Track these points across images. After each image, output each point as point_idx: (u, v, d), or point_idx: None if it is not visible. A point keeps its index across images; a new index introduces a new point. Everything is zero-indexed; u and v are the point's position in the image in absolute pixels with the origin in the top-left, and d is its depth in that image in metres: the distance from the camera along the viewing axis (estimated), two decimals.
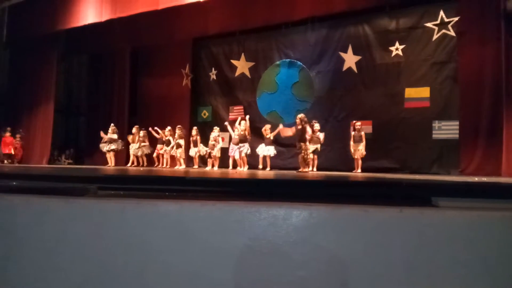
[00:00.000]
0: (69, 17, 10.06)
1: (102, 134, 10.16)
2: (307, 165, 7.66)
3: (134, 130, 10.34)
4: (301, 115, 7.68)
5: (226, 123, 9.43)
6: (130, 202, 1.30)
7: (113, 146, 10.08)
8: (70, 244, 1.37)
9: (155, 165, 10.29)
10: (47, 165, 10.37)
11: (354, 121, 8.35)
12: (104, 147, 10.15)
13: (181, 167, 9.59)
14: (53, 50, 11.54)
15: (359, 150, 8.02)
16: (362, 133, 8.12)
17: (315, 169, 8.16)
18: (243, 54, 10.76)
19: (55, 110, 11.62)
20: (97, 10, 9.57)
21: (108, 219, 1.31)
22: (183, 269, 1.24)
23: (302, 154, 7.48)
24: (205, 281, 1.27)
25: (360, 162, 8.06)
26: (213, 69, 11.23)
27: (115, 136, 10.14)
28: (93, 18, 9.68)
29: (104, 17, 9.48)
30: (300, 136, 7.60)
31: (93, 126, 11.82)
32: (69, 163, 11.96)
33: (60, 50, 11.94)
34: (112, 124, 10.38)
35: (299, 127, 7.55)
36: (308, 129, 8.10)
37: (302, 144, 7.52)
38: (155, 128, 10.21)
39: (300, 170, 7.45)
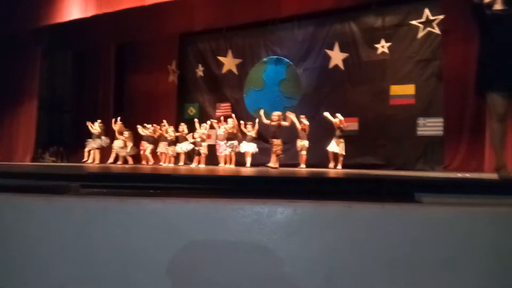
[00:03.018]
0: (53, 12, 9.87)
1: (89, 125, 10.07)
2: (278, 161, 7.88)
3: (118, 123, 10.16)
4: (278, 113, 7.84)
5: (211, 120, 9.44)
6: (113, 200, 1.28)
7: (99, 144, 9.99)
8: (52, 243, 1.35)
9: (142, 162, 10.22)
10: (30, 163, 10.20)
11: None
12: (90, 145, 10.04)
13: (170, 164, 9.54)
14: (36, 46, 11.30)
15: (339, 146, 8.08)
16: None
17: (303, 165, 8.20)
18: (230, 50, 10.72)
19: (39, 107, 11.40)
20: (82, 5, 9.41)
21: (90, 218, 1.29)
22: (167, 267, 1.23)
23: (274, 149, 7.76)
24: (190, 279, 1.27)
25: (340, 158, 8.11)
26: (199, 65, 11.16)
27: (99, 132, 10.05)
28: (78, 14, 9.52)
29: (89, 13, 9.34)
30: (274, 132, 7.89)
31: (78, 124, 11.66)
32: (53, 161, 11.78)
33: (44, 46, 11.71)
34: (99, 121, 10.28)
35: (273, 123, 7.77)
36: (298, 125, 8.20)
37: (274, 140, 7.83)
38: (144, 125, 10.11)
39: (269, 164, 7.76)
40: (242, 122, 8.95)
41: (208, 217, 1.28)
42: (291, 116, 8.21)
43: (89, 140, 10.14)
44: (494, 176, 3.32)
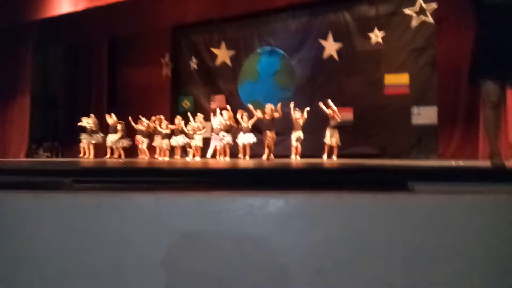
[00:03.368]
0: (44, 6, 9.75)
1: (84, 121, 10.02)
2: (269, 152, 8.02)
3: (112, 117, 10.12)
4: (271, 106, 7.98)
5: (212, 113, 9.40)
6: (106, 196, 1.28)
7: (94, 139, 9.97)
8: (45, 239, 1.35)
9: (138, 156, 10.20)
10: (23, 159, 10.15)
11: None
12: (84, 139, 10.01)
13: (165, 158, 9.52)
14: (27, 41, 11.18)
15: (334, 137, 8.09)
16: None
17: (298, 157, 8.20)
18: (223, 42, 10.66)
19: (32, 103, 11.32)
20: None
21: (83, 213, 1.29)
22: (161, 261, 1.24)
23: (267, 142, 7.89)
24: (184, 272, 1.28)
25: (335, 149, 8.12)
26: (193, 58, 11.09)
27: (93, 127, 10.01)
28: (69, 7, 9.41)
29: (80, 6, 9.24)
30: (267, 125, 7.98)
31: (72, 118, 11.58)
32: (47, 156, 11.73)
33: (35, 41, 11.59)
34: (91, 115, 10.22)
35: (267, 117, 7.83)
36: (294, 116, 8.20)
37: (267, 132, 7.95)
38: (140, 117, 10.05)
39: (264, 157, 7.90)
40: (240, 112, 8.78)
41: (201, 211, 1.29)
42: (294, 111, 8.22)
43: (84, 134, 10.10)
44: (487, 163, 3.35)
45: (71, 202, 1.38)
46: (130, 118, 10.05)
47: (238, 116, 8.59)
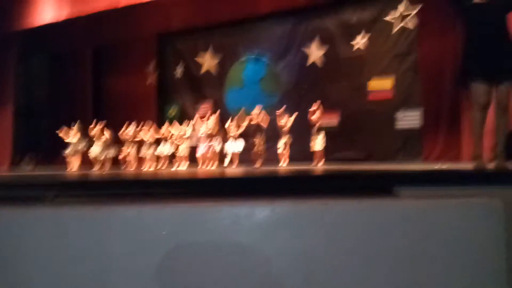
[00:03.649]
0: (27, 16, 9.65)
1: (64, 135, 9.84)
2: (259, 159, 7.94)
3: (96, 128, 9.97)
4: (256, 111, 8.00)
5: (194, 120, 9.32)
6: (87, 209, 1.26)
7: (77, 149, 9.79)
8: (26, 255, 1.32)
9: (123, 167, 10.06)
10: (5, 173, 9.94)
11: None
12: (69, 151, 9.83)
13: (150, 168, 9.42)
14: (10, 51, 11.03)
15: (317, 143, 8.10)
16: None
17: (285, 163, 8.21)
18: (209, 50, 10.67)
19: (15, 114, 11.14)
20: (55, 9, 9.22)
21: (65, 228, 1.27)
22: (145, 274, 1.22)
23: (256, 149, 7.82)
24: (169, 284, 1.26)
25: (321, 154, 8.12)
26: (178, 66, 11.07)
27: (77, 138, 9.84)
28: (51, 18, 9.32)
29: (63, 17, 9.16)
30: (254, 131, 7.96)
31: (56, 129, 11.40)
32: (31, 168, 11.51)
33: (19, 51, 11.43)
34: (74, 124, 10.06)
35: (253, 122, 7.80)
36: (283, 123, 8.21)
37: (255, 139, 7.87)
38: (126, 127, 9.93)
39: (257, 165, 7.79)
40: (231, 119, 8.77)
41: (185, 222, 1.28)
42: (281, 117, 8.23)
43: (68, 147, 9.91)
44: (470, 165, 3.40)
45: (53, 216, 1.35)
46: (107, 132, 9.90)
47: (227, 125, 8.58)
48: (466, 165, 4.90)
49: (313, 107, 8.12)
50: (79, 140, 9.89)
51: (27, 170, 11.10)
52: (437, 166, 4.95)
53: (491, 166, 3.19)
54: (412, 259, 1.35)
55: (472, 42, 3.19)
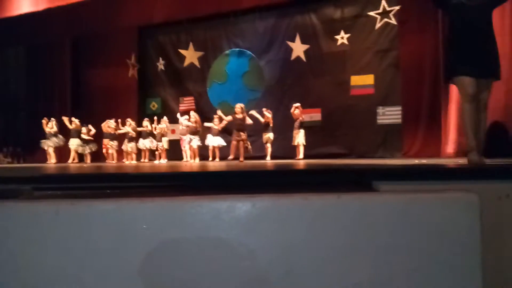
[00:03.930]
0: (3, 6, 9.35)
1: (44, 123, 9.66)
2: (245, 153, 7.92)
3: (73, 121, 9.82)
4: (241, 104, 7.87)
5: (178, 115, 9.26)
6: (64, 203, 1.23)
7: (54, 143, 9.61)
8: (1, 251, 1.28)
9: (105, 160, 9.93)
10: None
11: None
12: (45, 144, 9.65)
13: (133, 161, 9.33)
14: None
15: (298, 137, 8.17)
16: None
17: (268, 158, 8.24)
18: (191, 43, 10.56)
19: None
20: None
21: (41, 223, 1.24)
22: (123, 270, 1.20)
23: (242, 143, 7.77)
24: (148, 280, 1.25)
25: (301, 149, 8.19)
26: (160, 59, 10.93)
27: (54, 130, 9.66)
28: (29, 7, 9.06)
29: (41, 6, 8.91)
30: (239, 125, 7.86)
31: (34, 122, 11.14)
32: (9, 162, 11.23)
33: None
34: (52, 119, 9.87)
35: (239, 116, 7.77)
36: (261, 119, 8.24)
37: (241, 133, 7.81)
38: (107, 121, 9.80)
39: (241, 159, 7.74)
40: (216, 115, 8.75)
41: (165, 217, 1.26)
42: (253, 112, 8.26)
43: (43, 140, 9.72)
44: (449, 161, 3.46)
45: (28, 211, 1.32)
46: (89, 126, 9.77)
47: (217, 118, 8.58)
48: (445, 161, 5.00)
49: (293, 108, 8.19)
50: (56, 133, 9.73)
51: (4, 163, 10.84)
52: (416, 161, 5.04)
53: (465, 160, 3.22)
54: (391, 252, 1.37)
55: (456, 38, 3.22)
